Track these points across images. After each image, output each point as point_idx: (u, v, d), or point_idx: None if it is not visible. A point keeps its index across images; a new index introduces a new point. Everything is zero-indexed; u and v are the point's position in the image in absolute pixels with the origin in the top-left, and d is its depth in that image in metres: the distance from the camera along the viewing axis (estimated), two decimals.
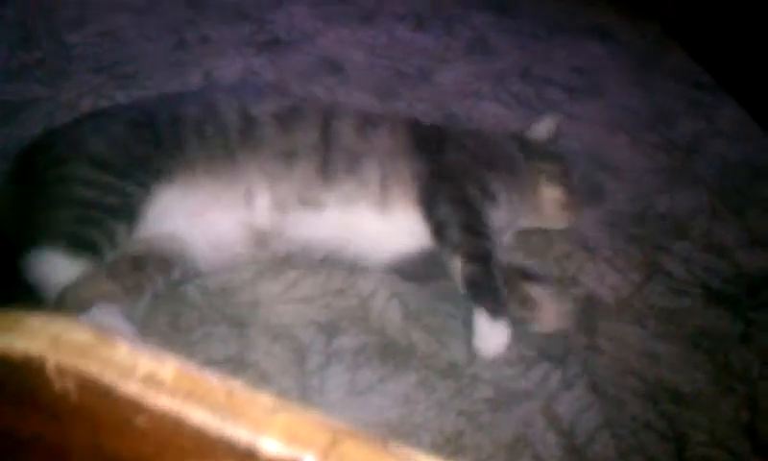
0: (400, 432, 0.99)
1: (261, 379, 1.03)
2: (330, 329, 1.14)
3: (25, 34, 1.80)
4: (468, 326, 1.13)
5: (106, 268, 1.07)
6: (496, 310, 1.08)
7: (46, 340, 0.39)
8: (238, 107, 1.20)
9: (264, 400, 0.39)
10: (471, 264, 1.12)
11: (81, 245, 1.04)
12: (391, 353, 1.11)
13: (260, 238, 1.17)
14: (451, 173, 1.23)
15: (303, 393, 1.03)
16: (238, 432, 0.37)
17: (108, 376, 0.38)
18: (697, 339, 1.21)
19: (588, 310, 1.24)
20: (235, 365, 1.05)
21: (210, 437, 0.37)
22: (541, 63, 2.08)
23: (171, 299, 1.14)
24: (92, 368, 0.39)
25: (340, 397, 1.04)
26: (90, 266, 1.04)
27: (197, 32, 1.95)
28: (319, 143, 1.19)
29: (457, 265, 1.12)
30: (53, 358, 0.39)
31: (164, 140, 1.15)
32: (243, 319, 1.13)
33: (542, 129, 1.43)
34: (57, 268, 1.02)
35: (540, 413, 1.05)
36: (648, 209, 1.52)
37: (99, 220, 1.06)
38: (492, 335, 1.09)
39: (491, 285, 1.10)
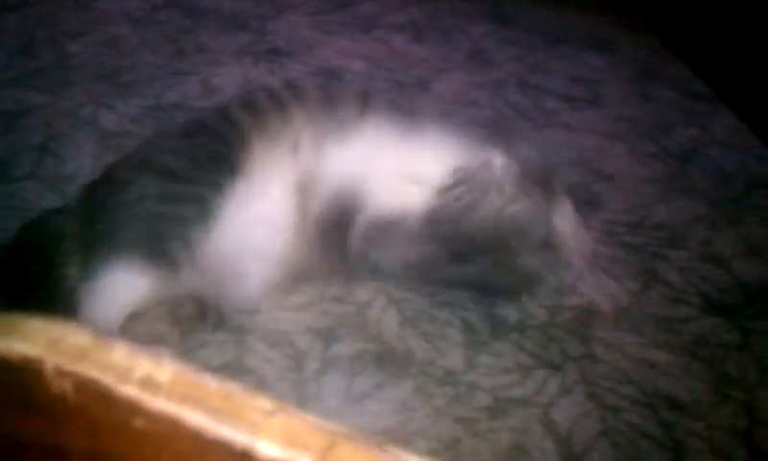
0: (398, 439, 0.99)
1: (258, 386, 1.02)
2: (328, 336, 1.14)
3: (25, 42, 1.81)
4: (466, 332, 1.13)
5: (169, 305, 1.06)
6: None
7: (45, 343, 0.40)
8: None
9: (261, 403, 0.39)
10: None
11: (158, 259, 1.02)
12: (388, 360, 1.11)
13: (302, 198, 1.17)
14: None
15: (300, 399, 1.03)
16: (235, 435, 0.37)
17: (106, 379, 0.38)
18: (695, 348, 1.21)
19: (586, 319, 1.24)
20: (233, 371, 1.05)
21: (207, 439, 0.37)
22: (539, 74, 2.08)
23: None
24: (90, 370, 0.39)
25: (337, 403, 1.04)
26: (167, 281, 1.04)
27: (195, 41, 1.96)
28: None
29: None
30: (51, 361, 0.39)
31: (221, 133, 1.16)
32: (240, 326, 1.13)
33: None
34: (129, 285, 1.01)
35: (537, 420, 1.05)
36: (645, 218, 1.52)
37: (176, 234, 1.05)
38: None
39: None
